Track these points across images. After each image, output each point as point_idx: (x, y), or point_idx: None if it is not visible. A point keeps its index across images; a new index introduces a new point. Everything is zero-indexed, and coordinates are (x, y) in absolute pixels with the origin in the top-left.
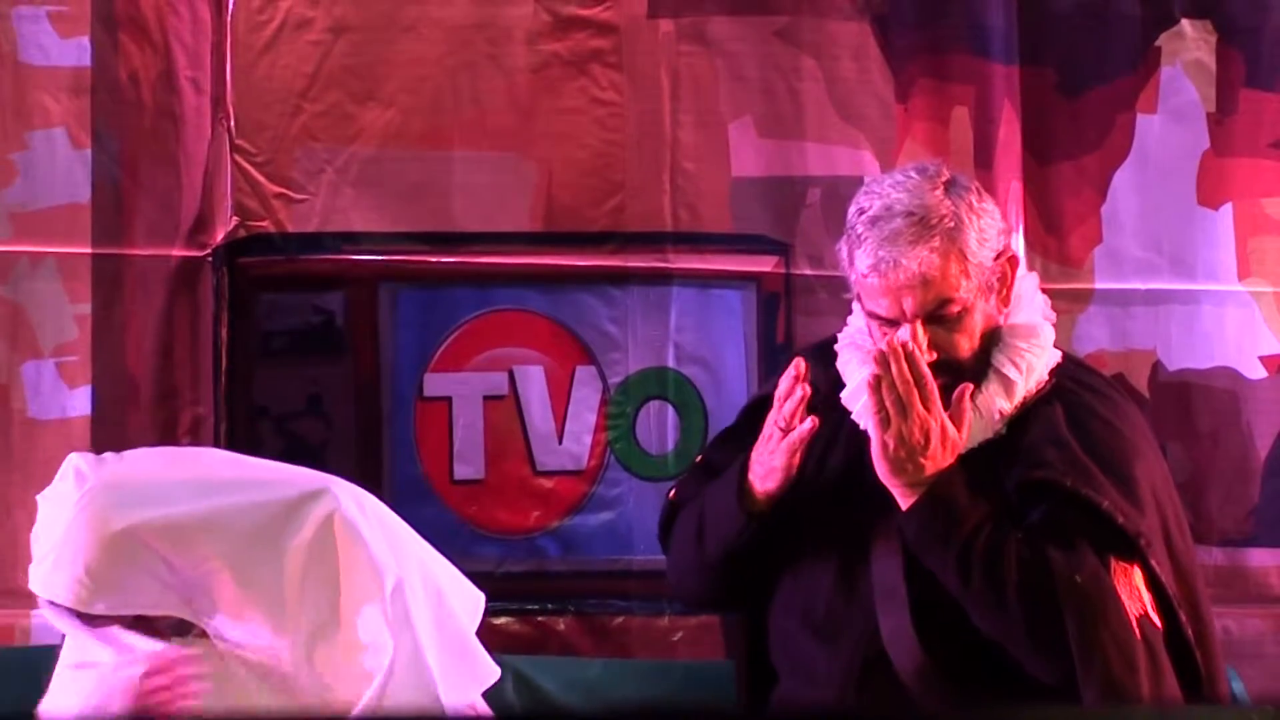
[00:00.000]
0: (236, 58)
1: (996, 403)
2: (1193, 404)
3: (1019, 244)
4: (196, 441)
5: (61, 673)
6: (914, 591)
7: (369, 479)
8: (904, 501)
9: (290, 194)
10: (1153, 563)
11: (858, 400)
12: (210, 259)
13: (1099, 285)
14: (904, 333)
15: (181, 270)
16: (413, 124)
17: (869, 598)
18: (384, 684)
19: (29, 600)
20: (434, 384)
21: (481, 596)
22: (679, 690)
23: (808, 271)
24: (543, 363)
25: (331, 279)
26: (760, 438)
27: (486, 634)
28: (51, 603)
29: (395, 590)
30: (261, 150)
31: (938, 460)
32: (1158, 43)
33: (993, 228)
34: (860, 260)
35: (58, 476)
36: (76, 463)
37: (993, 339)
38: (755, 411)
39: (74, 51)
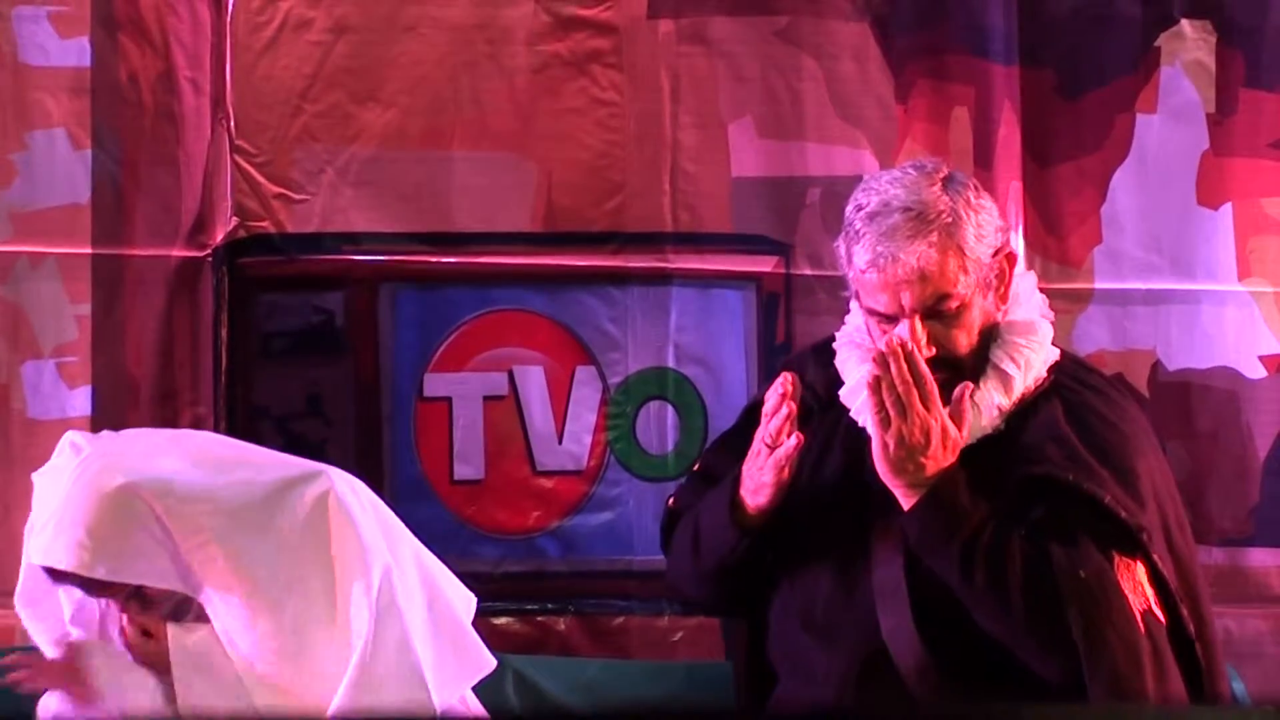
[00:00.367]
0: (236, 58)
1: (994, 398)
2: (1192, 404)
3: (1019, 244)
4: None
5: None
6: (915, 590)
7: (369, 479)
8: (905, 502)
9: (290, 194)
10: (1155, 557)
11: (856, 398)
12: (210, 259)
13: (1099, 285)
14: (903, 330)
15: (181, 271)
16: (413, 124)
17: (868, 597)
18: (362, 669)
19: None
20: (434, 384)
21: (473, 599)
22: (678, 691)
23: (808, 272)
24: (543, 363)
25: (331, 279)
26: (750, 453)
27: (486, 634)
28: (52, 573)
29: (384, 576)
30: (261, 151)
31: (939, 460)
32: (1157, 43)
33: (990, 224)
34: (858, 256)
35: (54, 454)
36: (72, 438)
37: (991, 335)
38: (753, 414)
39: (74, 52)
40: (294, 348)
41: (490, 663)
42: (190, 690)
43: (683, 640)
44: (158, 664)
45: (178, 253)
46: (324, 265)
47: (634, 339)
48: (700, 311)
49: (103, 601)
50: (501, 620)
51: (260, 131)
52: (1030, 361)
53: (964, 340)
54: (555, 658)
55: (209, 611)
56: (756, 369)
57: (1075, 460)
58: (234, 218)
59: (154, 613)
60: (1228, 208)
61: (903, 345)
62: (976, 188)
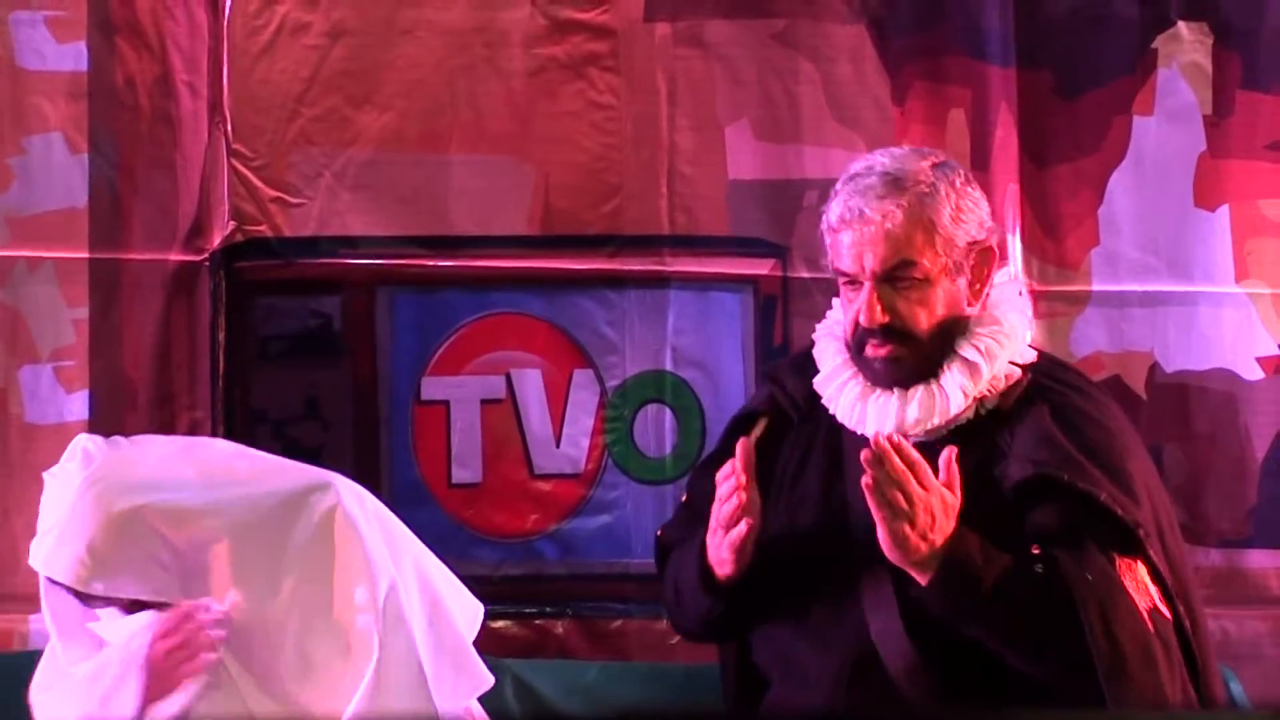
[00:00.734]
0: (233, 62)
1: (959, 379)
2: (1190, 405)
3: (1016, 246)
4: None
5: (60, 676)
6: (902, 592)
7: (367, 483)
8: (922, 578)
9: (287, 198)
10: (1151, 553)
11: (829, 385)
12: (207, 263)
13: (1096, 287)
14: (882, 423)
15: (179, 274)
16: (410, 128)
17: (857, 600)
18: (374, 685)
19: (28, 605)
20: (431, 387)
21: (480, 607)
22: (677, 693)
23: (805, 274)
24: (540, 366)
25: (329, 283)
26: (709, 526)
27: (485, 637)
28: (50, 580)
29: (390, 591)
30: (258, 154)
31: (944, 529)
32: (1154, 45)
33: (972, 212)
34: (832, 212)
35: (65, 456)
36: (85, 443)
37: (960, 329)
38: (735, 433)
39: (71, 56)
40: (291, 351)
41: (488, 679)
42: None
43: (681, 643)
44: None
45: (175, 257)
46: (321, 269)
47: (631, 342)
48: (698, 314)
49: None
50: (500, 623)
51: (257, 135)
52: (992, 350)
53: (923, 317)
54: (554, 661)
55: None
56: (754, 371)
57: (1069, 461)
58: (231, 221)
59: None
60: (1225, 209)
61: (889, 439)
62: (969, 178)
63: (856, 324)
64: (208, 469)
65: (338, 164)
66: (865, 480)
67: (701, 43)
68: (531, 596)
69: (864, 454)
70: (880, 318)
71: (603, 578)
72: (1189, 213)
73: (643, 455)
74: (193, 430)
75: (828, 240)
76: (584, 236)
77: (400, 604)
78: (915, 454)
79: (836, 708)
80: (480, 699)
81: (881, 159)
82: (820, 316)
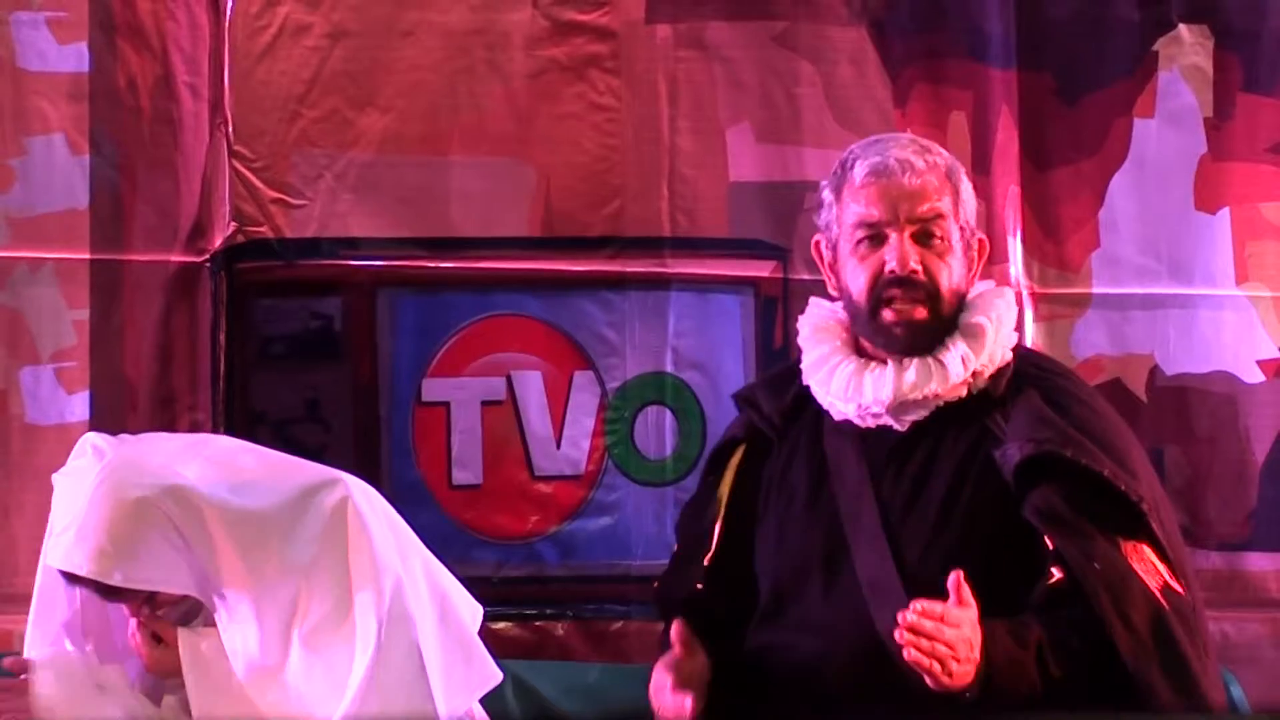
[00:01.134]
0: (234, 63)
1: (960, 350)
2: (1190, 408)
3: (1016, 248)
4: None
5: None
6: (908, 583)
7: (368, 484)
8: (973, 691)
9: (288, 199)
10: (1155, 527)
11: (820, 369)
12: (208, 264)
13: (1096, 290)
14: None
15: (180, 276)
16: (411, 129)
17: (856, 593)
18: (372, 684)
19: (28, 605)
20: (432, 389)
21: (480, 609)
22: None
23: (805, 276)
24: (541, 368)
25: (329, 284)
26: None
27: (485, 639)
28: (68, 577)
29: (395, 588)
30: (260, 156)
31: (975, 643)
32: (1155, 47)
33: (973, 203)
34: (857, 170)
35: (73, 454)
36: (94, 440)
37: (961, 304)
38: (715, 463)
39: (72, 57)
40: (292, 353)
41: (497, 675)
42: (201, 695)
43: None
44: (169, 669)
45: (176, 258)
46: (322, 270)
47: (632, 344)
48: (698, 316)
49: (113, 607)
50: (500, 625)
51: (258, 136)
52: (1003, 318)
53: (945, 277)
54: (554, 662)
55: (224, 617)
56: (754, 373)
57: (1069, 438)
58: (232, 223)
59: (165, 618)
60: (1225, 212)
61: (916, 611)
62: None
63: (876, 280)
64: (217, 464)
65: (339, 165)
66: (909, 655)
67: (702, 45)
68: (532, 598)
69: (898, 634)
70: (914, 265)
71: (603, 579)
72: (1190, 215)
73: (643, 457)
74: (194, 430)
75: (846, 202)
76: (585, 238)
77: (405, 602)
78: (936, 605)
79: (842, 701)
80: (480, 700)
81: (895, 135)
82: None
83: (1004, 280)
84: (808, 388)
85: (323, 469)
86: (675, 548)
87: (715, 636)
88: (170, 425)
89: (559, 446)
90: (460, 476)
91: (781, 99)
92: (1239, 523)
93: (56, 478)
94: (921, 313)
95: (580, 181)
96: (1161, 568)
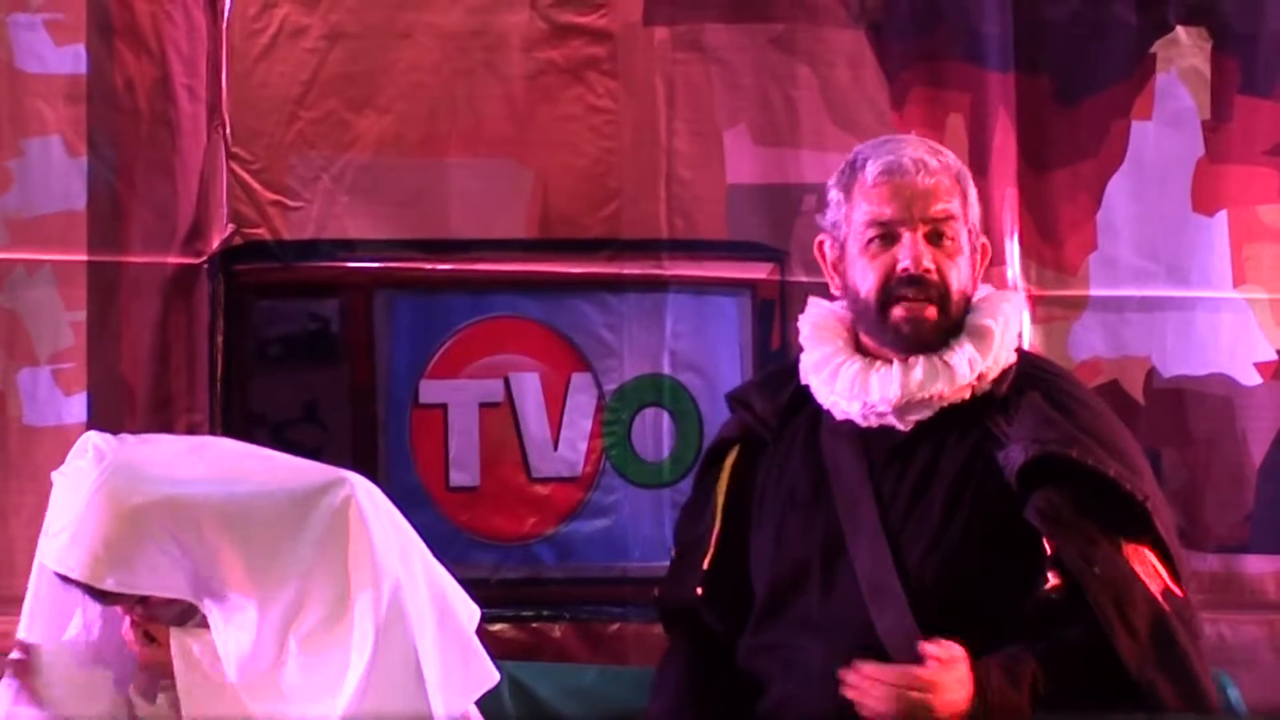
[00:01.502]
0: (232, 65)
1: (967, 352)
2: (1188, 411)
3: (1014, 251)
4: None
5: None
6: (908, 585)
7: None
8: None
9: (286, 201)
10: (1158, 525)
11: (824, 368)
12: (206, 266)
13: (1094, 292)
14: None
15: (177, 277)
16: (409, 131)
17: (855, 593)
18: (368, 685)
19: None
20: (429, 391)
21: (477, 610)
22: None
23: (803, 278)
24: (538, 370)
25: (327, 286)
26: None
27: (482, 640)
28: (62, 578)
29: (393, 590)
30: (257, 157)
31: (965, 681)
32: (1153, 50)
33: (978, 205)
34: (870, 169)
35: (73, 453)
36: (95, 440)
37: (968, 305)
38: (710, 465)
39: (70, 59)
40: (290, 354)
41: (495, 676)
42: (193, 696)
43: None
44: (161, 669)
45: (174, 259)
46: (320, 272)
47: (629, 346)
48: (696, 318)
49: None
50: (497, 627)
51: (256, 138)
52: (1009, 322)
53: (954, 277)
54: (551, 664)
55: (219, 620)
56: (751, 376)
57: (1073, 439)
58: (230, 224)
59: (159, 619)
60: (1223, 214)
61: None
62: None
63: (887, 279)
64: (219, 466)
65: (336, 167)
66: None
67: (700, 47)
68: (529, 599)
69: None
70: (927, 264)
71: (600, 581)
72: (1187, 218)
73: (640, 459)
74: (191, 432)
75: (857, 200)
76: (582, 240)
77: (403, 604)
78: (905, 669)
79: (841, 702)
80: (478, 702)
81: (904, 136)
82: None
83: (1001, 282)
84: (805, 388)
85: (328, 469)
86: (674, 552)
87: (715, 639)
88: (168, 427)
89: (556, 448)
90: (458, 478)
91: (779, 101)
92: (1236, 525)
93: (56, 476)
94: (931, 312)
95: (578, 183)
96: (1162, 570)
